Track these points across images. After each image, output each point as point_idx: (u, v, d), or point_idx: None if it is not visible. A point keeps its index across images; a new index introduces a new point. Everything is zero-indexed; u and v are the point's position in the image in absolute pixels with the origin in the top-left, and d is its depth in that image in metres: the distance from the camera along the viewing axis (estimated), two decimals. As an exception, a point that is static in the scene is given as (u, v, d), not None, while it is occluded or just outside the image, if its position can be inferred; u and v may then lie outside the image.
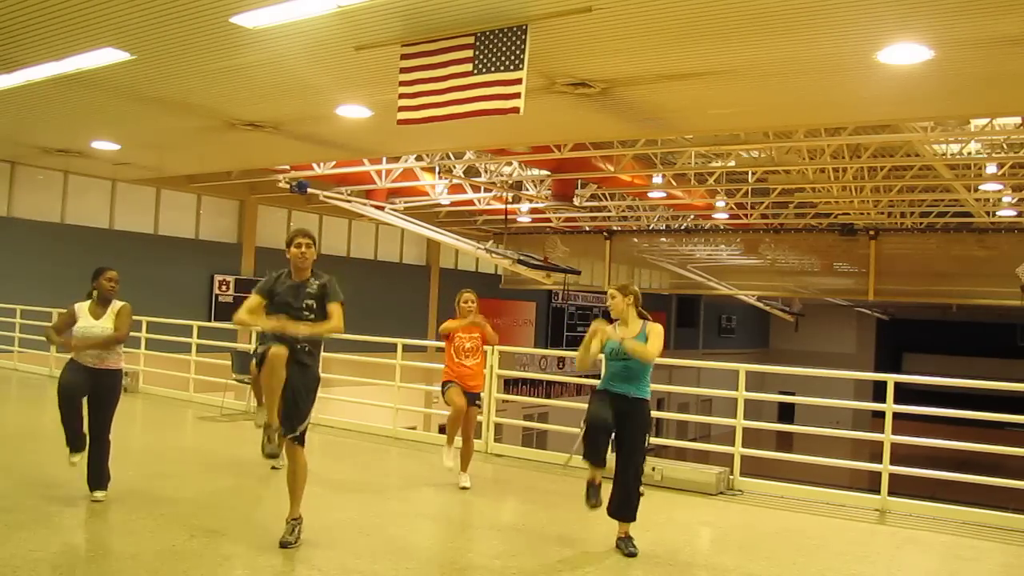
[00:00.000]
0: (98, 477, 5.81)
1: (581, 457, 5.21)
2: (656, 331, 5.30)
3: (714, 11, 5.91)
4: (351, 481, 6.99)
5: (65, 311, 5.98)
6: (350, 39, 6.81)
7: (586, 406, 5.37)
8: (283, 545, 4.88)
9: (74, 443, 5.83)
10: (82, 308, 5.91)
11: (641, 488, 5.24)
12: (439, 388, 7.14)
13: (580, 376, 5.65)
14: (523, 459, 8.27)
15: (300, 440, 4.99)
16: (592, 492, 5.22)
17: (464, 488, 6.83)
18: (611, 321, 5.44)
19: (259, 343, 5.19)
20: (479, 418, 7.53)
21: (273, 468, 7.13)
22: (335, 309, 5.08)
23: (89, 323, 5.82)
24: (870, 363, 39.20)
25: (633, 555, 5.10)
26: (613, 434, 5.22)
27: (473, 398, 7.00)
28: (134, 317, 6.21)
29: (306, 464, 5.03)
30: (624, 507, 5.22)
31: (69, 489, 5.88)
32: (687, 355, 33.79)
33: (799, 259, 21.87)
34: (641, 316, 5.38)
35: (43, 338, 6.41)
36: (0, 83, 8.59)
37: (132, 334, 11.63)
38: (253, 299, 5.14)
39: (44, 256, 15.56)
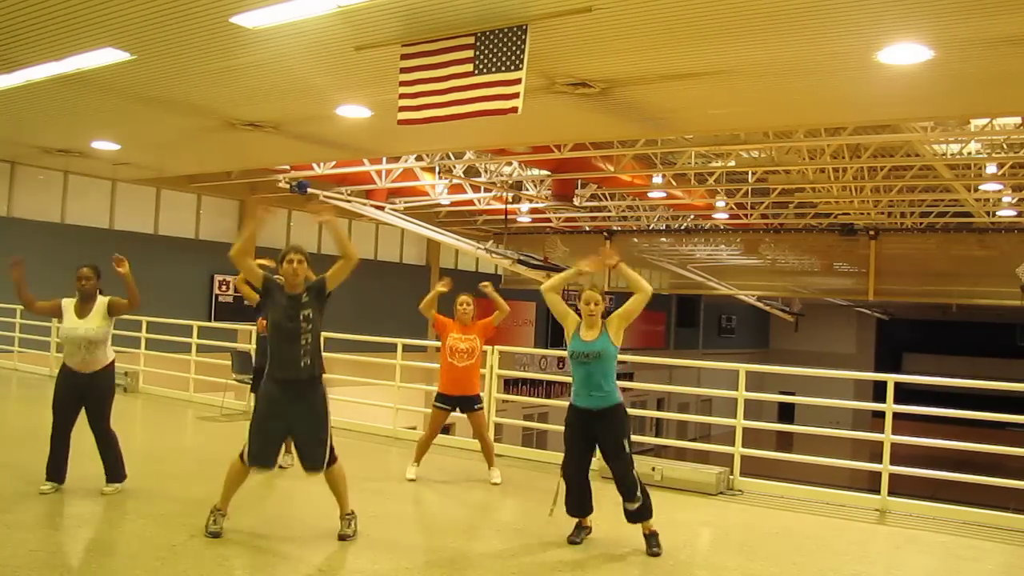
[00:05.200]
0: (113, 470, 5.91)
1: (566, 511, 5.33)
2: (619, 312, 5.29)
3: (714, 11, 5.91)
4: (351, 481, 6.97)
5: (53, 301, 6.05)
6: (350, 39, 6.81)
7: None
8: (341, 538, 5.10)
9: (53, 471, 5.85)
10: (68, 306, 5.97)
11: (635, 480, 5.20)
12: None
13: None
14: (523, 459, 8.26)
15: (331, 464, 5.14)
16: (576, 531, 5.33)
17: (495, 484, 6.94)
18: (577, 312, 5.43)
19: (258, 354, 5.29)
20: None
21: (280, 467, 7.13)
22: (334, 270, 5.20)
23: (73, 324, 5.88)
24: (870, 363, 39.19)
25: (656, 555, 5.10)
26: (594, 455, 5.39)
27: (471, 402, 6.99)
28: (134, 317, 6.28)
29: (341, 471, 5.24)
30: (634, 512, 5.21)
31: (69, 489, 5.88)
32: (687, 355, 33.78)
33: (799, 259, 21.86)
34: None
35: (43, 338, 6.48)
36: (0, 83, 8.59)
37: (131, 334, 11.73)
38: (257, 272, 5.25)
39: (44, 256, 15.49)
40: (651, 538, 5.19)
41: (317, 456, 5.06)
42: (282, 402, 5.03)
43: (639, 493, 5.16)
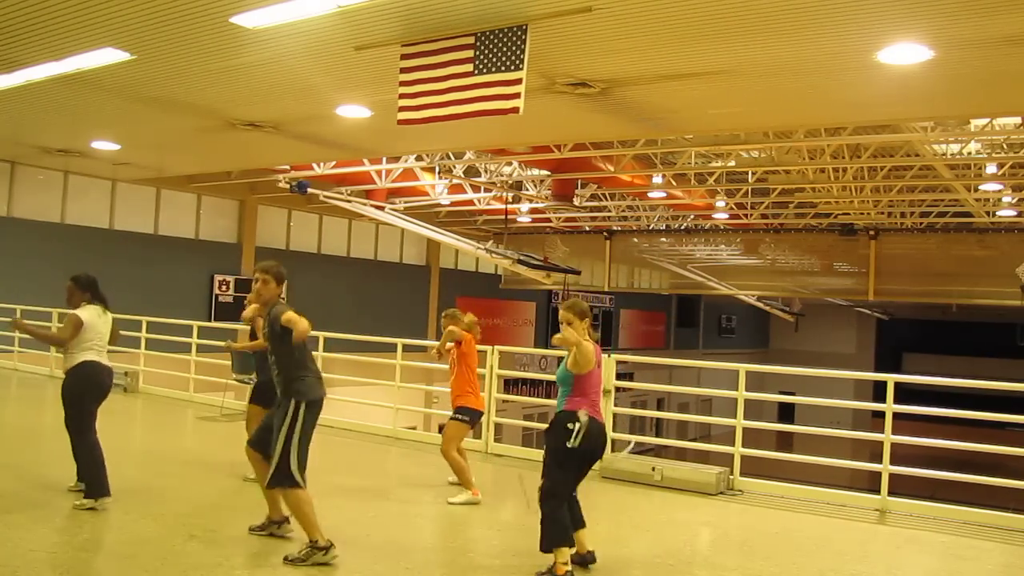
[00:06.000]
0: (79, 472, 5.79)
1: None
2: (575, 350, 4.78)
3: (714, 11, 5.91)
4: (351, 481, 6.99)
5: None
6: (350, 39, 6.81)
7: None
8: (285, 559, 4.65)
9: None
10: None
11: (542, 503, 4.68)
12: (443, 389, 7.11)
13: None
14: (523, 459, 8.27)
15: (284, 485, 4.69)
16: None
17: (450, 503, 6.43)
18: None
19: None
20: (480, 422, 7.38)
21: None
22: (288, 318, 4.66)
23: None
24: (870, 363, 39.20)
25: None
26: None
27: (453, 412, 6.73)
28: (133, 317, 6.24)
29: (295, 499, 4.68)
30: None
31: (69, 489, 5.87)
32: (687, 355, 33.80)
33: (799, 259, 21.86)
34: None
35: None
36: (0, 83, 8.59)
37: (132, 334, 11.72)
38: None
39: (44, 256, 15.55)
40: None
41: (271, 469, 4.72)
42: (273, 402, 5.05)
43: (544, 515, 4.66)
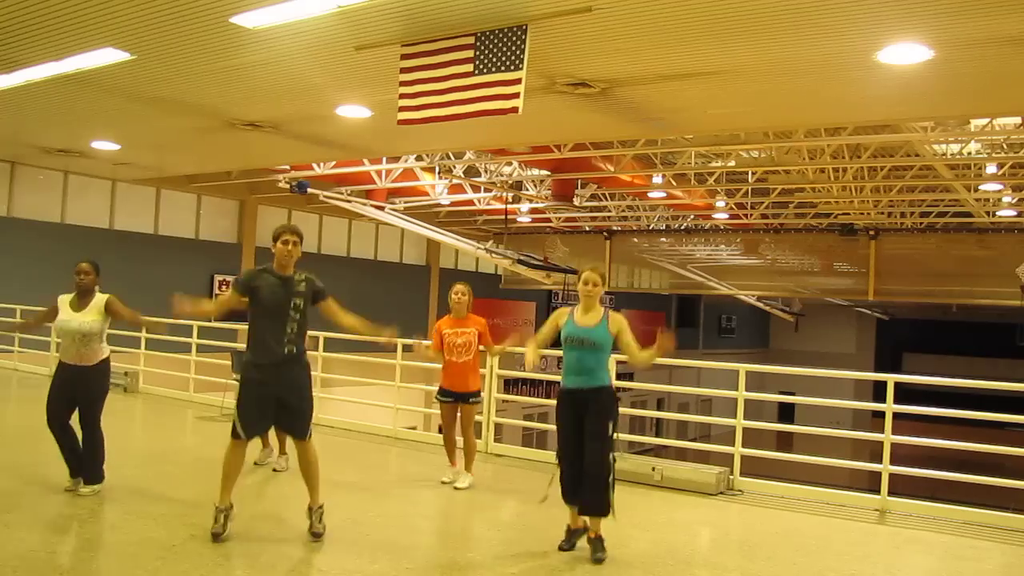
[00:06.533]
0: (89, 470, 5.85)
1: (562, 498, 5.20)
2: (623, 324, 5.13)
3: (714, 11, 5.91)
4: (351, 481, 6.99)
5: (48, 308, 6.12)
6: (350, 39, 6.82)
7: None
8: (315, 535, 5.04)
9: (70, 464, 5.91)
10: (64, 301, 6.01)
11: (612, 478, 4.97)
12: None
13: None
14: (523, 459, 8.26)
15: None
16: (567, 537, 5.14)
17: (458, 488, 6.75)
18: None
19: (239, 362, 5.35)
20: (478, 416, 7.47)
21: (274, 470, 7.14)
22: (335, 305, 5.35)
23: (68, 316, 5.92)
24: (870, 363, 39.20)
25: (600, 561, 4.87)
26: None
27: (467, 397, 6.89)
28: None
29: (316, 454, 5.19)
30: (591, 498, 4.97)
31: (70, 488, 5.88)
32: (687, 355, 33.75)
33: (799, 259, 21.87)
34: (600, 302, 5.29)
35: (43, 338, 6.51)
36: (0, 83, 8.59)
37: (132, 334, 11.72)
38: (228, 295, 5.36)
39: (44, 256, 15.53)
40: (598, 543, 4.96)
41: (298, 427, 5.20)
42: (266, 379, 5.10)
43: (608, 485, 4.93)
